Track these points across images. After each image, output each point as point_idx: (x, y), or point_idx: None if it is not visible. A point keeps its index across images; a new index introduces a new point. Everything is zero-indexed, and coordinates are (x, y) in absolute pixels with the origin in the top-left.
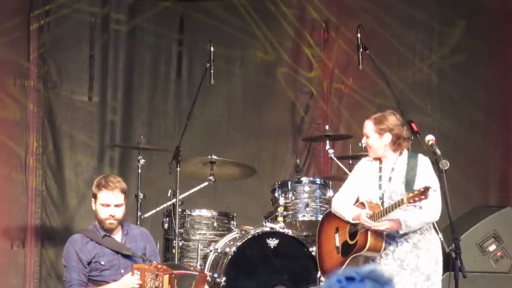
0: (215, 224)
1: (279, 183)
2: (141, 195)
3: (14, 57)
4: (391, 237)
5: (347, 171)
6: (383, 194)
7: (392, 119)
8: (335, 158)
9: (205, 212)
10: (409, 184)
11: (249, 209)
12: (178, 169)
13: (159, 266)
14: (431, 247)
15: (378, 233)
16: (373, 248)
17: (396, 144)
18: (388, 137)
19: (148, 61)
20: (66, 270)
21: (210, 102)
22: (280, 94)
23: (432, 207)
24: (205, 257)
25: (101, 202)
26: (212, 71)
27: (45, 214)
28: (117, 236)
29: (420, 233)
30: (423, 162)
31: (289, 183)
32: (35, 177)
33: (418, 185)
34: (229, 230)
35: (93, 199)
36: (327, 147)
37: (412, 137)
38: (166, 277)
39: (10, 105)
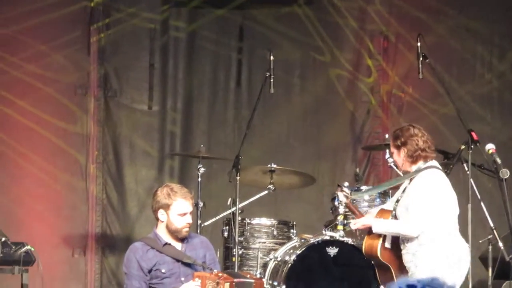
0: (275, 233)
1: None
2: (201, 204)
3: (75, 67)
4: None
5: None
6: (396, 205)
7: (408, 132)
8: (394, 167)
9: (265, 221)
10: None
11: (309, 217)
12: (238, 177)
13: (220, 274)
14: (430, 257)
15: (371, 236)
16: (368, 251)
17: (414, 157)
18: (403, 151)
19: (208, 70)
20: (127, 278)
21: (269, 111)
22: (340, 102)
23: (403, 224)
24: (264, 266)
25: (178, 212)
26: (272, 80)
27: (105, 222)
28: (178, 244)
29: (418, 245)
30: (418, 180)
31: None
32: (96, 185)
33: (402, 203)
34: (289, 239)
35: (162, 209)
36: (387, 156)
37: (472, 146)
38: (227, 285)
39: (71, 115)
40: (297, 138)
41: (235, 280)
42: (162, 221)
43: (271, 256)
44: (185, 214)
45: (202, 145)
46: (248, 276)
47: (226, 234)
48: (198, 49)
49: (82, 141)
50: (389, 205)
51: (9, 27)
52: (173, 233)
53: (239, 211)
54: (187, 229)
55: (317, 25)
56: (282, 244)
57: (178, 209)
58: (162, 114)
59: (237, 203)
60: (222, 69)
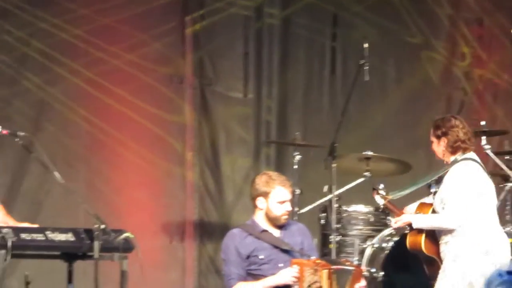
0: (372, 220)
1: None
2: (298, 191)
3: (170, 56)
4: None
5: (503, 167)
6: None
7: (449, 123)
8: (491, 154)
9: (362, 208)
10: (408, 186)
11: (405, 205)
12: (334, 165)
13: (318, 261)
14: (457, 249)
15: (413, 232)
16: (413, 246)
17: (454, 147)
18: (443, 141)
19: (302, 57)
20: (225, 264)
21: (364, 99)
22: (435, 90)
23: (441, 218)
24: (362, 252)
25: (277, 200)
26: (366, 68)
27: (203, 210)
28: (275, 231)
29: (451, 236)
30: (453, 172)
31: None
32: (193, 173)
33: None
34: (386, 226)
35: (261, 197)
36: (483, 142)
37: None
38: (325, 272)
39: (168, 103)
40: (392, 126)
41: (333, 267)
42: (261, 209)
43: (368, 243)
44: (284, 201)
45: (297, 133)
46: (348, 263)
47: (323, 221)
48: (292, 36)
49: (179, 129)
50: (429, 198)
51: (109, 17)
52: (272, 220)
53: (336, 198)
54: (286, 216)
55: (411, 12)
56: (379, 231)
57: (277, 196)
58: (257, 102)
59: (334, 190)
60: (316, 56)
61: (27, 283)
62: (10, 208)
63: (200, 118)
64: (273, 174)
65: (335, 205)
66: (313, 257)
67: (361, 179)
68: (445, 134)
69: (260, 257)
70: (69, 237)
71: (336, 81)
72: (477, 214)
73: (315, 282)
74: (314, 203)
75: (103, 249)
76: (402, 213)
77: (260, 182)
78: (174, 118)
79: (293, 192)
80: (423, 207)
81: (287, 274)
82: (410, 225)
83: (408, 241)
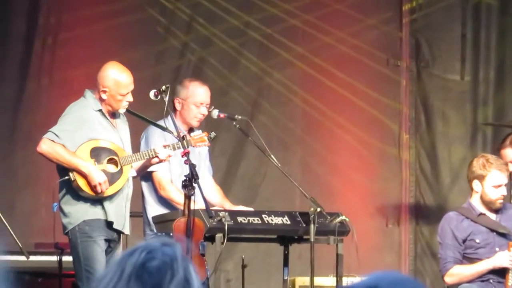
0: None
1: None
2: None
3: (387, 37)
4: None
5: None
6: None
7: None
8: None
9: None
10: None
11: None
12: None
13: None
14: None
15: None
16: None
17: None
18: None
19: None
20: (441, 248)
21: None
22: None
23: None
24: None
25: (493, 184)
26: None
27: (419, 193)
28: (492, 215)
29: None
30: None
31: None
32: (409, 155)
33: None
34: None
35: (477, 180)
36: None
37: None
38: None
39: (384, 85)
40: None
41: None
42: (477, 192)
43: None
44: (500, 185)
45: None
46: None
47: None
48: (510, 17)
49: (395, 112)
50: None
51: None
52: (487, 204)
53: None
54: (501, 201)
55: None
56: None
57: (493, 180)
58: (475, 84)
59: None
60: None
61: (244, 266)
62: (227, 192)
63: (416, 100)
64: (491, 157)
65: None
66: None
67: None
68: None
69: (477, 241)
70: (285, 220)
71: None
72: None
73: None
74: None
75: (319, 232)
76: None
77: (477, 165)
78: (391, 100)
79: (510, 176)
80: None
81: (504, 257)
82: None
83: None
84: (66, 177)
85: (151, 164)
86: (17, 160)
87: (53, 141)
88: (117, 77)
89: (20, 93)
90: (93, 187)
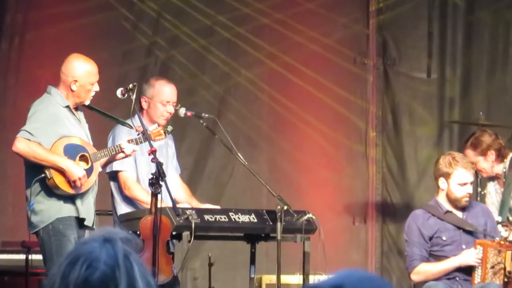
0: None
1: None
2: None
3: (354, 35)
4: None
5: None
6: None
7: (486, 137)
8: None
9: None
10: (503, 205)
11: None
12: None
13: (502, 242)
14: None
15: None
16: None
17: (501, 156)
18: (492, 154)
19: (486, 36)
20: (408, 245)
21: None
22: None
23: None
24: None
25: (458, 182)
26: None
27: (385, 190)
28: (458, 212)
29: None
30: None
31: None
32: (376, 153)
33: None
34: None
35: (442, 178)
36: None
37: None
38: (510, 253)
39: (351, 83)
40: None
41: None
42: (443, 189)
43: None
44: (465, 184)
45: (481, 113)
46: None
47: None
48: (476, 15)
49: (362, 109)
50: None
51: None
52: (453, 202)
53: None
54: (466, 199)
55: None
56: None
57: (458, 178)
58: (441, 82)
59: None
60: (501, 34)
61: (211, 264)
62: (194, 190)
63: (383, 98)
64: (458, 155)
65: None
66: (497, 238)
67: None
68: (490, 146)
69: (444, 238)
70: (252, 218)
71: None
72: None
73: (499, 263)
74: None
75: (286, 230)
76: None
77: (443, 162)
78: (358, 98)
79: (475, 174)
80: None
81: (471, 255)
82: None
83: None
84: (42, 175)
85: (116, 160)
86: None
87: (28, 139)
88: (85, 66)
89: None
90: (72, 183)
